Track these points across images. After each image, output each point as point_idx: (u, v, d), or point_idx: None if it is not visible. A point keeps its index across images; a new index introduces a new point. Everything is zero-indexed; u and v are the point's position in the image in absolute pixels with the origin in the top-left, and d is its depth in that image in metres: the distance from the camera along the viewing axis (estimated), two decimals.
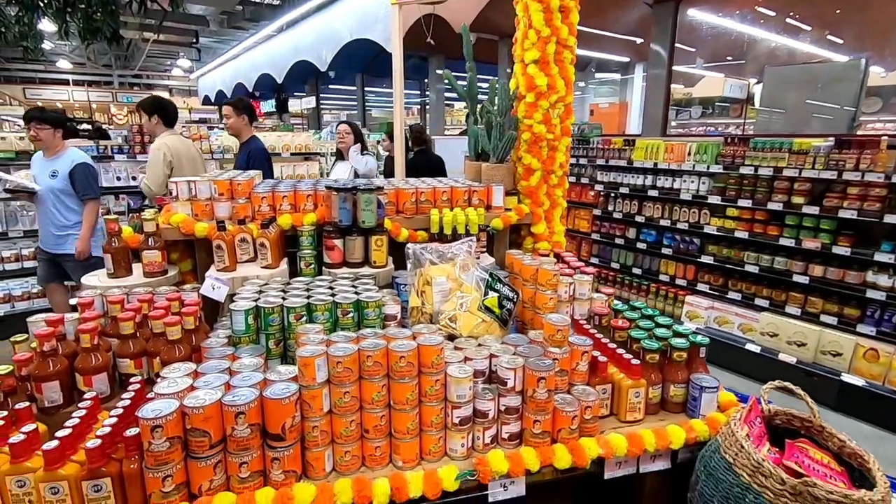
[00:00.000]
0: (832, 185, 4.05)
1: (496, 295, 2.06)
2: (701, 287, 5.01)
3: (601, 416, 1.89)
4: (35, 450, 1.40)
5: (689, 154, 4.96)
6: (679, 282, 5.20)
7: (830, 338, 4.04)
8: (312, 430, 1.55)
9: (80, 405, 1.56)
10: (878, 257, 3.78)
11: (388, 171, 6.01)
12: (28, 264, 5.41)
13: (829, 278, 4.09)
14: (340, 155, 5.48)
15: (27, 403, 1.54)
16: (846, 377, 3.93)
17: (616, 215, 5.74)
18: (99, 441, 1.36)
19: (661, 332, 2.06)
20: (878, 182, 3.75)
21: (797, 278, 4.25)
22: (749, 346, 4.52)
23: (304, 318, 1.91)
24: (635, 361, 1.90)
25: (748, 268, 4.57)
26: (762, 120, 6.69)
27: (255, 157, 4.67)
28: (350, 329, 1.89)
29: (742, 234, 4.59)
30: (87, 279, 2.29)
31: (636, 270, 5.69)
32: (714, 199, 4.78)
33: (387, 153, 7.96)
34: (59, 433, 1.39)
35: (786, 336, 4.29)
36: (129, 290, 2.13)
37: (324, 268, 2.41)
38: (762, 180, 4.47)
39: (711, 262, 4.88)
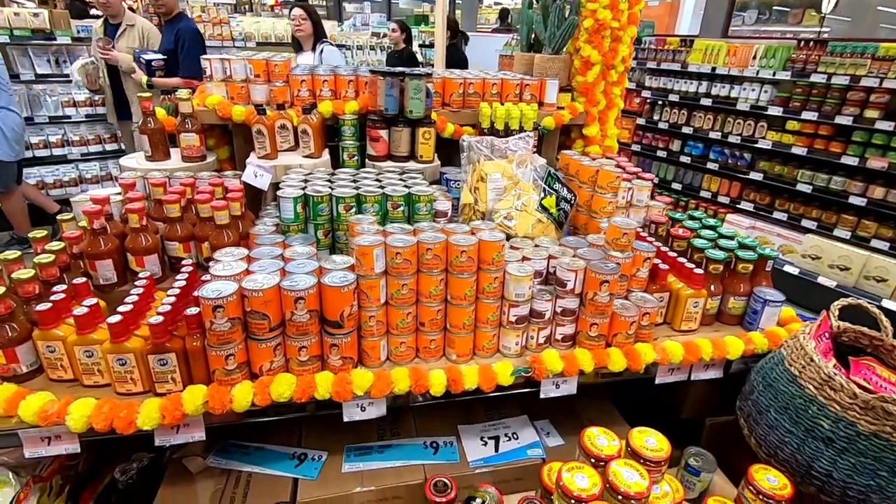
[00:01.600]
0: None
1: (554, 195, 1.93)
2: (744, 205, 4.79)
3: (656, 323, 1.85)
4: (98, 323, 1.41)
5: (755, 58, 4.48)
6: (721, 199, 4.97)
7: (878, 263, 3.89)
8: (369, 319, 1.53)
9: (136, 284, 1.55)
10: None
11: None
12: (56, 151, 5.35)
13: (889, 201, 3.84)
14: (299, 45, 4.60)
15: (84, 279, 1.53)
16: (886, 303, 3.84)
17: (661, 125, 5.38)
18: (161, 318, 1.35)
19: (725, 242, 1.95)
20: None
21: (853, 200, 4.01)
22: (787, 268, 4.40)
23: (354, 210, 1.83)
24: (698, 271, 1.81)
25: (800, 187, 4.31)
26: (834, 27, 5.97)
27: (184, 39, 4.00)
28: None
29: (800, 150, 4.28)
30: (125, 161, 2.21)
31: (676, 186, 5.45)
32: (775, 111, 4.40)
33: (391, 46, 7.34)
34: (121, 308, 1.38)
35: (829, 259, 4.15)
36: (170, 174, 2.05)
37: (367, 160, 2.28)
38: (834, 90, 4.05)
39: (760, 180, 4.61)
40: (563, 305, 1.66)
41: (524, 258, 1.69)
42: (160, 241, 1.80)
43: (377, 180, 1.99)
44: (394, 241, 1.49)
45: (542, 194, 1.90)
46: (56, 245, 1.63)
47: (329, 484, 1.58)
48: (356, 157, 2.28)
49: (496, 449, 1.73)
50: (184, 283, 1.55)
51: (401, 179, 2.01)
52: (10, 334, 1.39)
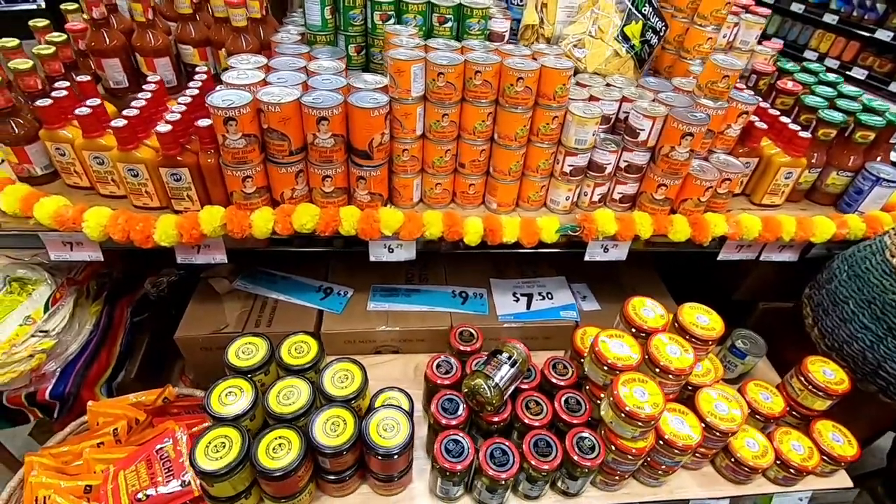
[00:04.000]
0: None
1: (640, 21, 1.54)
2: (856, 72, 4.01)
3: (734, 193, 1.58)
4: (105, 126, 1.26)
5: None
6: (829, 62, 4.16)
7: None
8: (402, 153, 1.33)
9: (144, 88, 1.37)
10: None
11: None
12: None
13: None
14: None
15: (89, 77, 1.36)
16: None
17: None
18: (170, 126, 1.19)
19: (845, 103, 1.56)
20: None
21: None
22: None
23: (392, 21, 1.51)
24: (804, 134, 1.47)
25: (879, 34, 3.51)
26: None
27: None
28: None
29: None
30: None
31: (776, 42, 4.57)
32: None
33: None
34: (127, 112, 1.22)
35: None
36: None
37: None
38: None
39: (887, 41, 3.76)
40: (629, 160, 1.41)
41: (591, 97, 1.39)
42: (172, 44, 1.57)
43: None
44: (437, 57, 1.21)
45: (626, 19, 1.51)
46: (57, 36, 1.43)
47: (353, 319, 1.56)
48: None
49: (528, 306, 1.65)
50: (196, 91, 1.36)
51: None
52: (15, 131, 1.27)
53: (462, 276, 1.73)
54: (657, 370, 1.21)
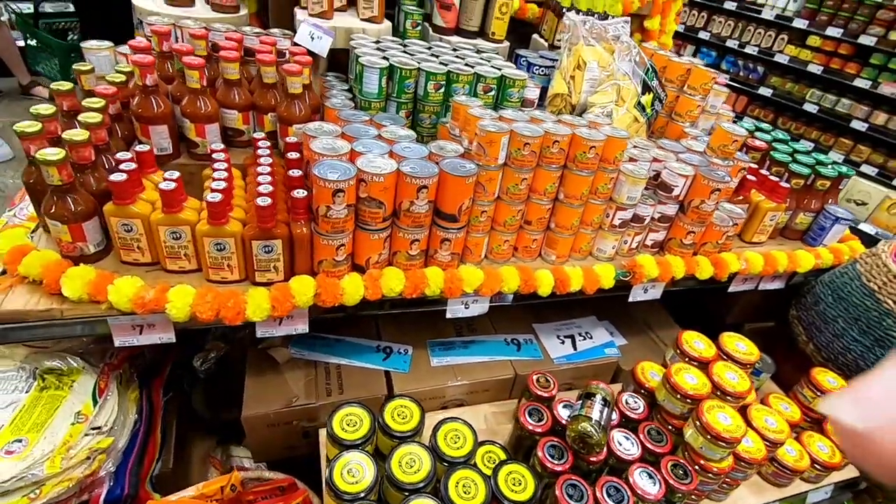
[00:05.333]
0: None
1: (652, 92, 1.79)
2: (746, 121, 4.81)
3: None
4: (183, 200, 1.20)
5: None
6: None
7: (862, 187, 4.13)
8: (480, 214, 1.41)
9: (215, 158, 1.32)
10: None
11: None
12: None
13: (889, 128, 3.98)
14: None
15: (147, 147, 1.29)
16: (863, 226, 4.15)
17: (677, 28, 5.11)
18: (270, 200, 1.17)
19: (803, 157, 1.94)
20: None
21: (855, 124, 4.12)
22: None
23: (443, 90, 1.61)
24: (784, 184, 1.80)
25: (807, 106, 4.36)
26: None
27: None
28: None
29: (815, 69, 4.25)
30: (139, 2, 1.79)
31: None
32: (800, 23, 4.26)
33: None
34: (216, 185, 1.18)
35: None
36: (207, 25, 1.70)
37: (431, 31, 1.99)
38: (865, 6, 3.95)
39: (768, 96, 4.60)
40: (662, 211, 1.62)
41: (630, 159, 1.59)
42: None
43: (459, 57, 1.75)
44: (522, 129, 1.33)
45: (642, 91, 1.76)
46: (96, 101, 1.33)
47: (421, 377, 1.57)
48: (420, 28, 1.98)
49: (574, 347, 1.77)
50: (269, 160, 1.34)
51: (482, 59, 1.78)
52: (75, 207, 1.16)
53: (506, 324, 1.81)
54: (724, 395, 1.38)
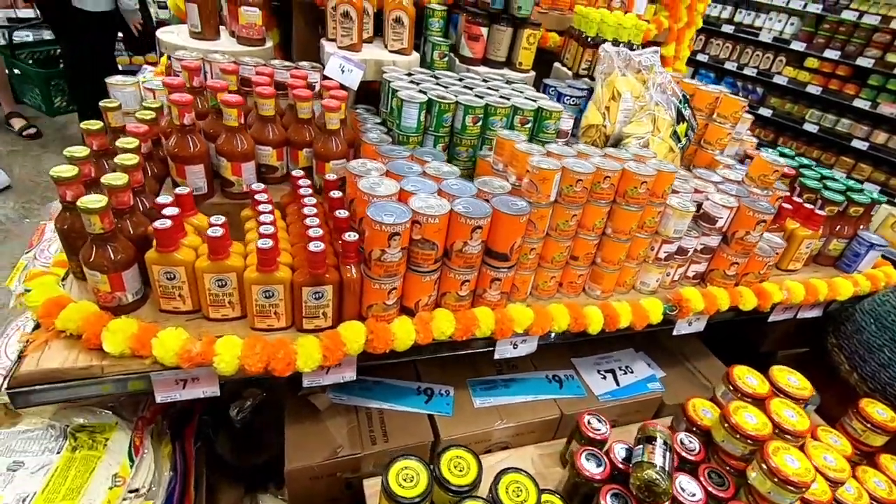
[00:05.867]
0: None
1: (685, 122, 1.78)
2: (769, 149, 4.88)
3: None
4: (228, 246, 1.15)
5: None
6: None
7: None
8: (529, 251, 1.37)
9: (257, 199, 1.27)
10: None
11: None
12: None
13: (889, 147, 4.05)
14: None
15: (186, 190, 1.23)
16: None
17: None
18: (322, 245, 1.11)
19: (833, 184, 1.93)
20: None
21: (856, 143, 4.19)
22: None
23: (480, 122, 1.59)
24: (820, 212, 1.79)
25: (807, 126, 4.43)
26: None
27: None
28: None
29: (814, 90, 4.33)
30: (165, 36, 1.75)
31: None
32: (797, 46, 4.36)
33: None
34: (265, 230, 1.12)
35: None
36: (236, 59, 1.66)
37: (458, 62, 1.98)
38: (861, 29, 4.05)
39: (767, 116, 4.67)
40: (705, 242, 1.59)
41: (672, 191, 1.57)
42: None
43: (491, 89, 1.73)
44: (575, 165, 1.30)
45: (677, 120, 1.75)
46: (130, 141, 1.28)
47: (466, 420, 1.50)
48: (447, 59, 1.96)
49: (616, 382, 1.72)
50: (314, 200, 1.29)
51: (518, 91, 1.76)
52: (115, 256, 1.10)
53: (544, 359, 1.76)
54: (784, 434, 1.34)
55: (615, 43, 2.02)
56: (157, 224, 1.08)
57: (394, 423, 1.46)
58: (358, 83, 1.72)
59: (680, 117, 1.76)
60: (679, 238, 1.51)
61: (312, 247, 1.10)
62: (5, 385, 1.00)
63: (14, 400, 1.01)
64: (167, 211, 1.12)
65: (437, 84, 1.68)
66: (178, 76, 1.57)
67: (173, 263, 1.12)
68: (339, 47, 1.79)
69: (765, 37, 4.53)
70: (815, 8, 4.21)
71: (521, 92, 1.75)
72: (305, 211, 1.23)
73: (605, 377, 1.73)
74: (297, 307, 1.18)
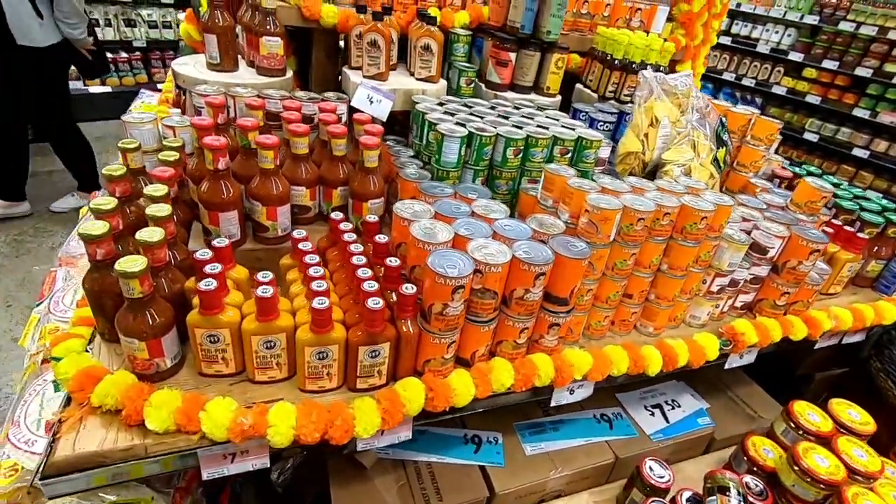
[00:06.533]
0: None
1: (724, 147, 1.74)
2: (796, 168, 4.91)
3: None
4: (277, 304, 1.06)
5: None
6: None
7: None
8: (586, 293, 1.31)
9: (302, 249, 1.18)
10: None
11: None
12: None
13: (890, 155, 4.09)
14: None
15: (226, 242, 1.14)
16: None
17: None
18: (381, 302, 1.03)
19: (870, 205, 1.90)
20: None
21: (857, 152, 4.23)
22: None
23: (521, 155, 1.52)
24: (862, 235, 1.75)
25: (807, 135, 4.46)
26: None
27: None
28: None
29: (813, 99, 4.37)
30: (181, 68, 1.66)
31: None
32: (795, 56, 4.40)
33: None
34: (317, 287, 1.03)
35: None
36: (260, 92, 1.57)
37: (485, 88, 1.92)
38: (859, 40, 4.10)
39: None
40: (754, 273, 1.54)
41: None
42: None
43: (528, 117, 1.67)
44: (637, 203, 1.24)
45: (717, 146, 1.70)
46: (159, 189, 1.18)
47: (518, 470, 1.42)
48: (473, 85, 1.90)
49: (665, 419, 1.65)
50: (361, 248, 1.21)
51: (552, 118, 1.70)
52: (154, 321, 1.01)
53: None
54: (856, 476, 1.28)
55: (642, 65, 1.98)
56: (203, 286, 0.99)
57: (445, 478, 1.37)
58: (387, 114, 1.64)
59: (720, 142, 1.71)
60: (732, 270, 1.45)
61: (371, 304, 1.02)
62: (38, 475, 0.89)
63: (49, 489, 0.91)
64: (209, 268, 1.03)
65: (472, 114, 1.61)
66: (200, 113, 1.48)
67: (218, 326, 1.03)
68: (366, 76, 1.71)
69: (762, 48, 4.56)
70: (811, 19, 4.25)
71: (557, 119, 1.70)
72: (355, 261, 1.15)
73: (653, 413, 1.66)
74: (351, 366, 1.10)
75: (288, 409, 1.02)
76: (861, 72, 4.09)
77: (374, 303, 1.02)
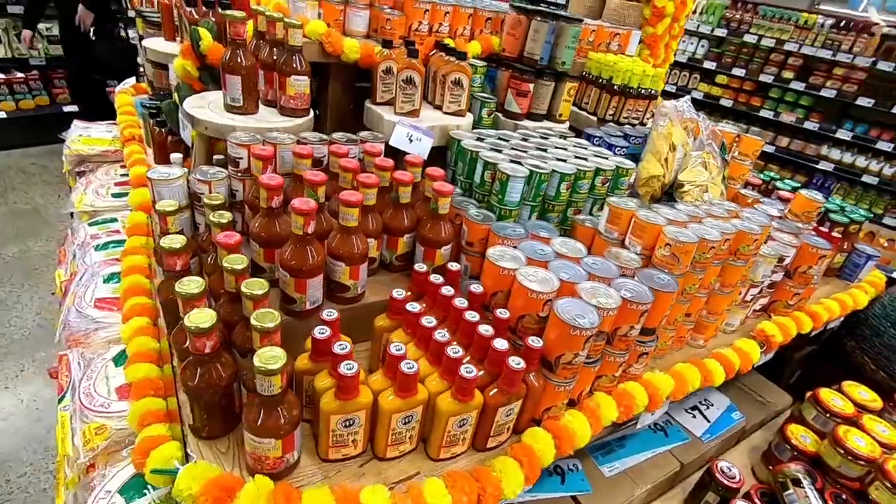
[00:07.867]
0: (819, 64, 4.44)
1: (728, 166, 1.92)
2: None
3: None
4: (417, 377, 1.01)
5: (695, 13, 4.88)
6: None
7: None
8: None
9: (409, 309, 1.13)
10: (840, 134, 4.44)
11: None
12: None
13: (791, 149, 4.72)
14: None
15: (335, 314, 1.06)
16: None
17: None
18: (522, 363, 1.02)
19: (830, 205, 2.21)
20: (863, 66, 4.22)
21: (766, 148, 4.82)
22: None
23: (571, 189, 1.57)
24: (836, 234, 2.03)
25: None
26: None
27: None
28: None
29: (726, 102, 4.92)
30: (194, 110, 1.50)
31: None
32: (709, 65, 4.92)
33: None
34: (452, 353, 1.00)
35: None
36: (302, 138, 1.47)
37: (503, 117, 1.94)
38: (761, 50, 4.68)
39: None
40: (773, 279, 1.73)
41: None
42: None
43: (561, 148, 1.72)
44: (708, 233, 1.34)
45: (723, 165, 1.87)
46: (238, 260, 1.07)
47: (605, 494, 1.47)
48: (494, 115, 1.92)
49: (706, 419, 1.79)
50: (465, 303, 1.18)
51: (580, 145, 1.78)
52: (288, 414, 0.92)
53: None
54: (889, 449, 1.49)
55: (640, 89, 2.13)
56: (344, 370, 0.92)
57: None
58: (427, 152, 1.61)
59: (724, 162, 1.89)
60: (763, 282, 1.62)
61: (513, 364, 1.01)
62: None
63: None
64: (339, 348, 0.96)
65: (513, 148, 1.63)
66: (237, 163, 1.35)
67: (356, 409, 0.96)
68: (400, 114, 1.66)
69: (680, 57, 5.04)
70: (721, 32, 4.78)
71: (585, 146, 1.77)
72: (468, 317, 1.12)
73: (693, 416, 1.80)
74: (485, 428, 1.08)
75: (439, 488, 0.97)
76: (764, 78, 4.68)
77: (516, 363, 1.01)
